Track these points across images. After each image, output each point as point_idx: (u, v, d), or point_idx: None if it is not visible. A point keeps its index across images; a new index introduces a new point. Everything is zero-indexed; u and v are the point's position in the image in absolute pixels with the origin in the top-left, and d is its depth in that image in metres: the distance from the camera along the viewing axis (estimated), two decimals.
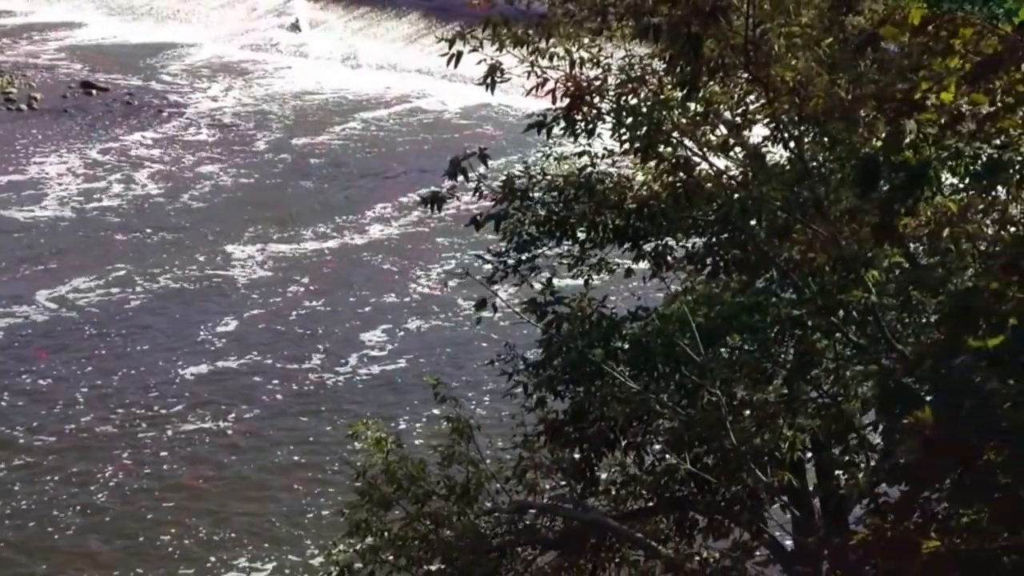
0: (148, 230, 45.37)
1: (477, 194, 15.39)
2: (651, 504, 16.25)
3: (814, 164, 13.51)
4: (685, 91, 13.02)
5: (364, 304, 39.29)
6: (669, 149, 13.95)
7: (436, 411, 31.04)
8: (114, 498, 28.92)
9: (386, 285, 40.72)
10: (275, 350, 36.21)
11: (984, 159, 11.43)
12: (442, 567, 15.92)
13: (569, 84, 13.97)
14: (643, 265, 16.01)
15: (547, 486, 16.67)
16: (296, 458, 30.61)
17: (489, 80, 13.98)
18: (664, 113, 13.72)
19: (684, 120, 13.87)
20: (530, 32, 13.91)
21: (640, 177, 15.37)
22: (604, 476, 16.50)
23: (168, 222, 46.24)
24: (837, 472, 15.20)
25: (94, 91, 64.20)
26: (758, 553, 15.73)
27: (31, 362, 35.42)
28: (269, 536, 27.63)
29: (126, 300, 39.63)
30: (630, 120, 13.79)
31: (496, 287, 16.18)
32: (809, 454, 15.46)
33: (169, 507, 28.58)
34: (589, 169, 15.51)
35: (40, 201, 48.61)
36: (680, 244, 15.80)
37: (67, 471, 29.90)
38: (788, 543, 15.67)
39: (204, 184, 50.45)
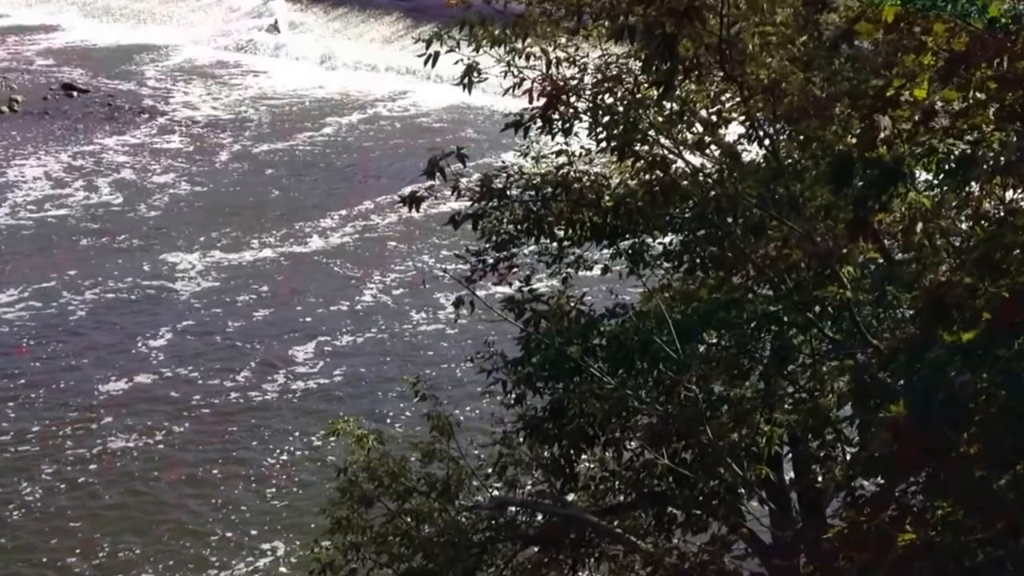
0: (117, 236, 45.04)
1: (455, 194, 15.38)
2: (630, 499, 16.33)
3: (789, 161, 13.59)
4: (661, 90, 12.99)
5: (325, 308, 38.90)
6: (645, 147, 14.00)
7: (393, 411, 31.16)
8: (33, 515, 28.28)
9: (351, 289, 40.25)
10: (227, 357, 35.84)
11: (957, 155, 11.51)
12: (423, 563, 16.00)
13: (546, 84, 13.99)
14: (620, 263, 16.05)
15: (527, 482, 16.77)
16: (229, 468, 30.20)
17: (466, 80, 14.02)
18: (640, 112, 13.78)
19: (660, 119, 13.93)
20: (507, 32, 13.93)
21: (617, 176, 15.42)
22: (583, 472, 16.60)
23: (132, 229, 45.84)
24: (814, 466, 15.29)
25: (75, 93, 64.15)
26: (736, 547, 15.81)
27: None
28: (216, 543, 27.35)
29: (71, 308, 39.14)
30: (606, 119, 13.84)
31: (470, 286, 16.20)
32: (786, 448, 15.59)
33: (89, 524, 27.96)
34: (566, 168, 15.49)
35: (1, 205, 48.45)
36: (657, 241, 15.84)
37: None
38: (766, 537, 15.74)
39: (174, 190, 50.13)
